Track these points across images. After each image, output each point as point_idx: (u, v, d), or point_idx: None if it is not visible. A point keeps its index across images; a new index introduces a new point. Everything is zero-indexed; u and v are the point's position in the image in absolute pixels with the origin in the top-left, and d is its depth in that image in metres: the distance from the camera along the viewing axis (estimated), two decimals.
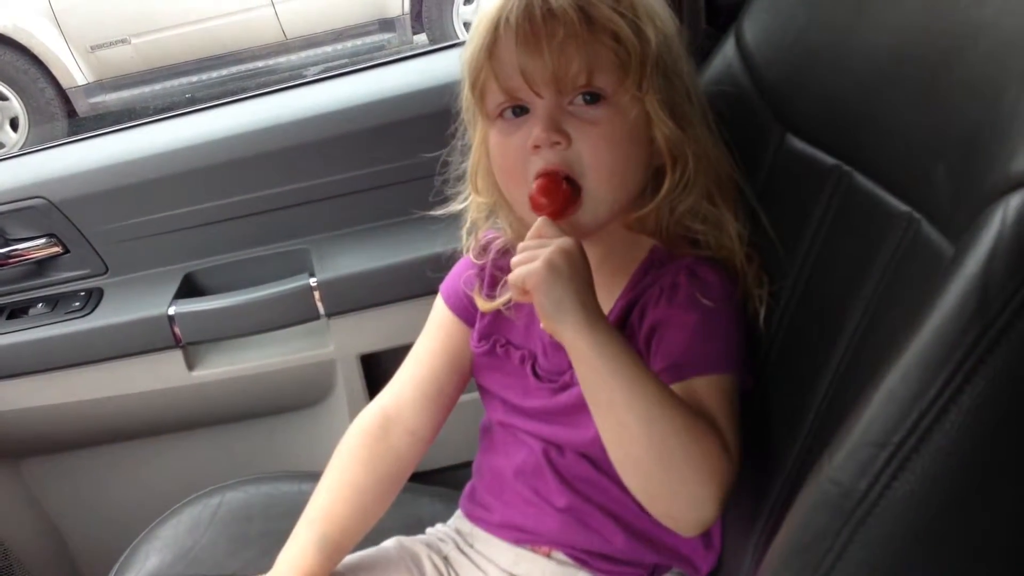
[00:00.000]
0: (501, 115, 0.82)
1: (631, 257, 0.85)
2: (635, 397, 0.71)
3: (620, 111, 0.78)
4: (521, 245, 0.76)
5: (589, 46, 0.76)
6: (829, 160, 0.78)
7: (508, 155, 0.82)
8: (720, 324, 0.80)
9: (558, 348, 0.86)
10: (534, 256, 0.73)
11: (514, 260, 0.75)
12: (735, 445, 0.75)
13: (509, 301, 0.89)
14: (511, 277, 0.75)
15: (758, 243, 0.84)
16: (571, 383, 0.84)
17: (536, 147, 0.78)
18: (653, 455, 0.71)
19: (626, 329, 0.83)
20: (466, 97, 0.85)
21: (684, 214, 0.83)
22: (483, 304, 0.92)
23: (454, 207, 0.93)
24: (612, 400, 0.72)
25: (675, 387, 0.76)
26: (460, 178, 0.92)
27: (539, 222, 0.77)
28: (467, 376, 0.98)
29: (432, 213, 0.95)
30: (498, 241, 0.93)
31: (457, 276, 0.97)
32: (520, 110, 0.80)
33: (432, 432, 0.97)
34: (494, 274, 0.93)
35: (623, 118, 0.78)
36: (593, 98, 0.78)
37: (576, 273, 0.73)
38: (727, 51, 0.99)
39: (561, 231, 0.76)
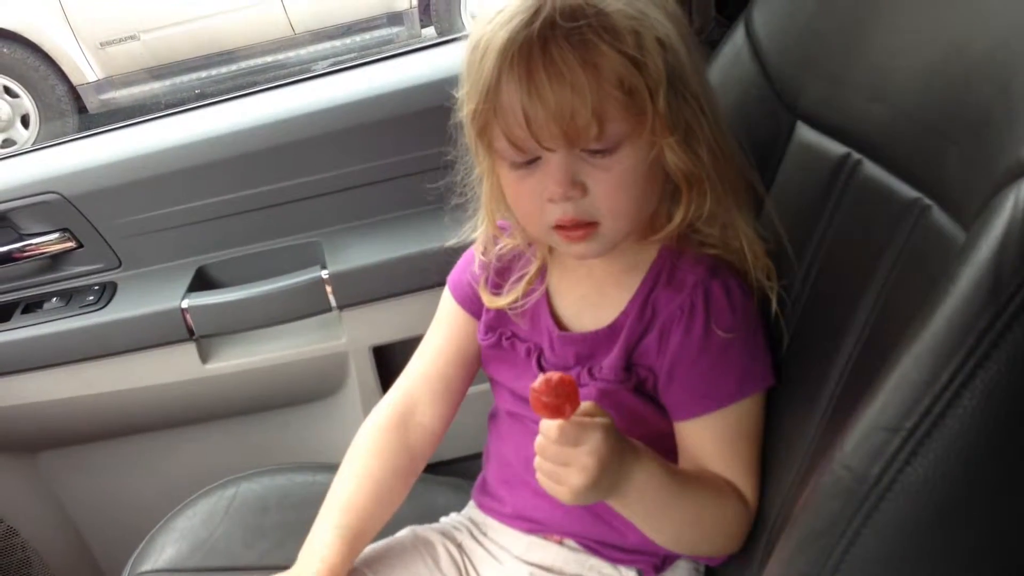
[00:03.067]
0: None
1: (641, 258, 0.85)
2: (666, 521, 0.79)
3: (634, 153, 0.75)
4: (540, 456, 0.73)
5: (597, 99, 0.72)
6: (839, 148, 0.78)
7: (522, 200, 0.80)
8: (740, 350, 0.80)
9: (565, 343, 0.86)
10: (559, 476, 0.72)
11: (540, 467, 0.73)
12: (752, 487, 0.81)
13: (515, 302, 0.89)
14: (541, 481, 0.74)
15: (770, 233, 0.83)
16: (578, 382, 0.84)
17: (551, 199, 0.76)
18: (681, 547, 0.84)
19: (640, 346, 0.82)
20: (468, 131, 0.81)
21: (696, 221, 0.82)
22: (489, 301, 0.92)
23: (469, 235, 0.92)
24: (646, 521, 0.80)
25: (691, 423, 0.81)
26: (468, 168, 0.91)
27: (558, 429, 0.71)
28: (476, 368, 0.98)
29: (447, 244, 0.94)
30: (506, 242, 0.92)
31: (464, 268, 0.97)
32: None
33: (443, 425, 0.98)
34: (497, 279, 0.92)
35: (638, 160, 0.76)
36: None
37: (611, 466, 0.72)
38: (737, 40, 0.98)
39: (584, 433, 0.71)
